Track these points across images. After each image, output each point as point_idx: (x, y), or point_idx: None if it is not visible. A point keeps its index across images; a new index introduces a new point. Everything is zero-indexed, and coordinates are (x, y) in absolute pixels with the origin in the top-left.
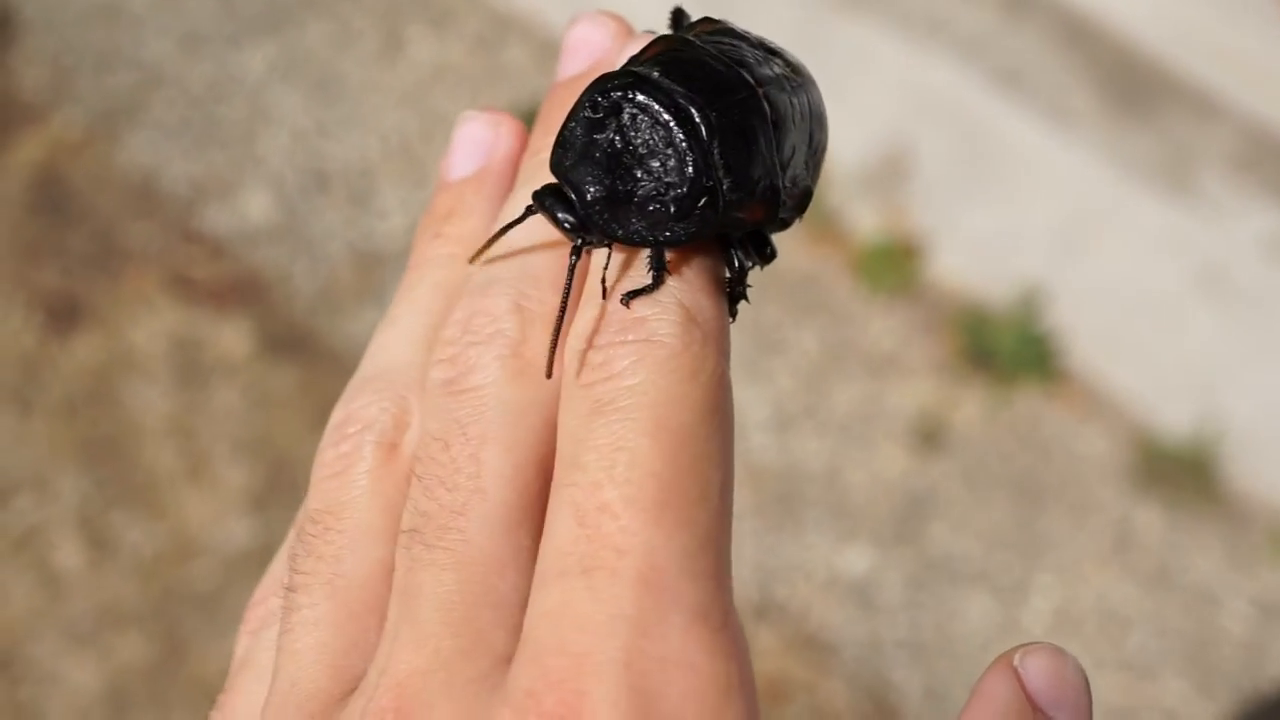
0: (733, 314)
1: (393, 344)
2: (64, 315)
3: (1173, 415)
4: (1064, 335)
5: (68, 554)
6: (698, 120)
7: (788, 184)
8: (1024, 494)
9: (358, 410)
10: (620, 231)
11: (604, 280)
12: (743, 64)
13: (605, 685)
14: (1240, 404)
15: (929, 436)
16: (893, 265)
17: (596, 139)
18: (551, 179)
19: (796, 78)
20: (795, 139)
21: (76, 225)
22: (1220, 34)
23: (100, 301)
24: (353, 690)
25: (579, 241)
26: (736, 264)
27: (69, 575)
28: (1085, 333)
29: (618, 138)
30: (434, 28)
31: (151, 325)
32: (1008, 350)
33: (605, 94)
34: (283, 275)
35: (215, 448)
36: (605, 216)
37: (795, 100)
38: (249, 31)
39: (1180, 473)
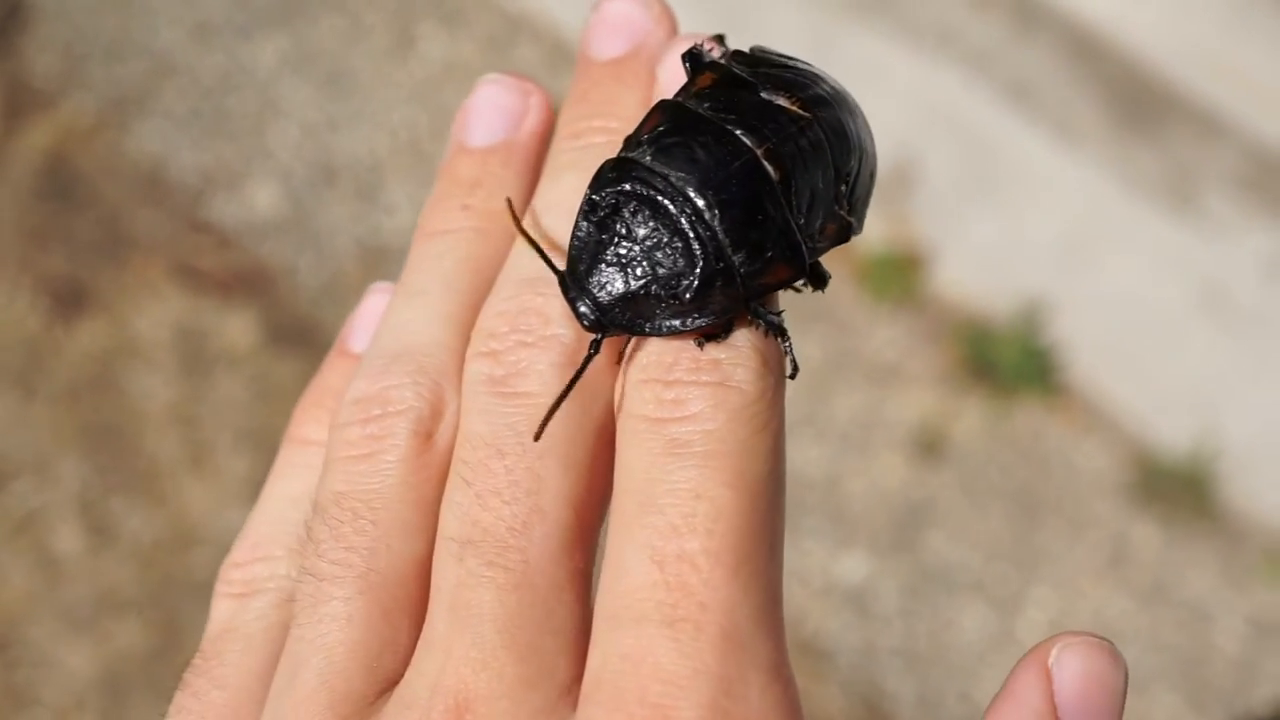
0: (793, 370)
1: (418, 321)
2: (69, 301)
3: (1171, 432)
4: (1065, 349)
5: (67, 539)
6: (699, 204)
7: (814, 231)
8: (1022, 506)
9: (389, 390)
10: (647, 327)
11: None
12: (745, 121)
13: None
14: (1239, 422)
15: (929, 447)
16: (897, 275)
17: (604, 239)
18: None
19: (816, 110)
20: (815, 180)
21: (84, 212)
22: (1228, 53)
23: (106, 288)
24: (384, 691)
25: (597, 337)
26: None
27: (68, 560)
28: (1086, 347)
29: (623, 233)
30: (445, 25)
31: (156, 313)
32: (1009, 363)
33: (602, 193)
34: (289, 267)
35: (218, 437)
36: (628, 315)
37: (809, 139)
38: (261, 24)
39: (1178, 489)
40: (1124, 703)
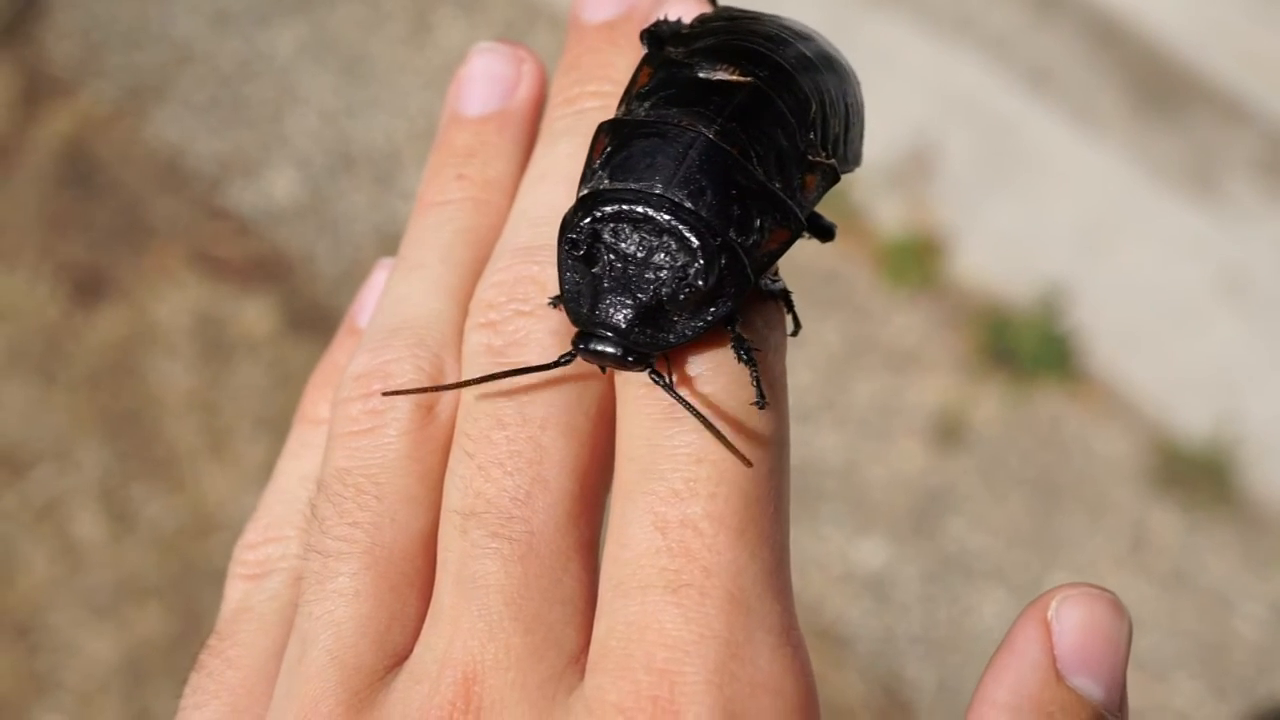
0: (795, 328)
1: (418, 293)
2: (89, 288)
3: (1191, 418)
4: (1085, 335)
5: (88, 525)
6: (674, 199)
7: (794, 188)
8: (1042, 492)
9: (389, 364)
10: (671, 337)
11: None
12: (689, 107)
13: (698, 706)
14: (1259, 408)
15: (948, 433)
16: (916, 262)
17: (595, 272)
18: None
19: (756, 72)
20: (776, 140)
21: (103, 199)
22: (1249, 36)
23: (125, 276)
24: (394, 665)
25: (648, 370)
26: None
27: (89, 547)
28: (1106, 333)
29: (612, 258)
30: (463, 11)
31: (175, 301)
32: (1028, 349)
33: (576, 230)
34: (307, 254)
35: (236, 424)
36: (648, 333)
37: (755, 104)
38: (279, 11)
39: (1198, 475)
40: (1127, 653)
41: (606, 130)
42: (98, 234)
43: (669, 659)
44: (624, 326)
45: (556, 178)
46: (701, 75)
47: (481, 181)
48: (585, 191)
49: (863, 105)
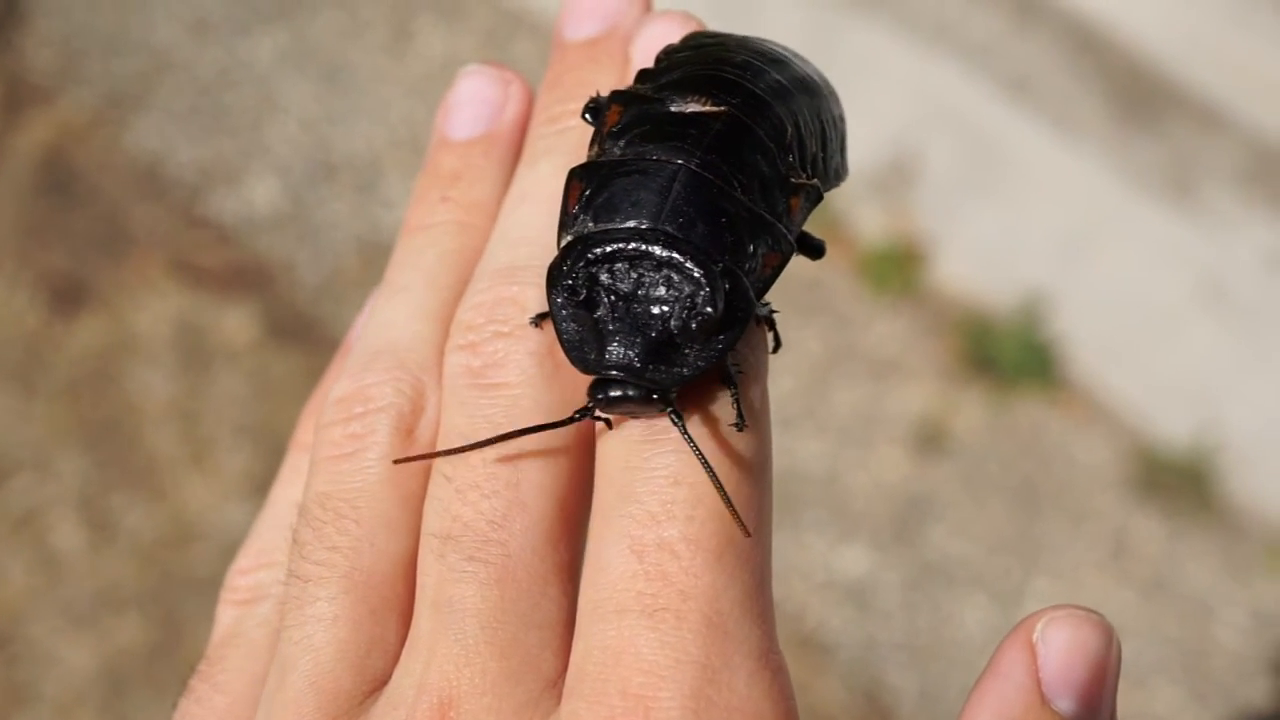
0: (776, 345)
1: (400, 317)
2: (68, 297)
3: (1172, 425)
4: (1066, 343)
5: (67, 535)
6: (665, 231)
7: (780, 211)
8: (1023, 500)
9: (369, 388)
10: (686, 370)
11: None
12: (665, 142)
13: None
14: (1239, 416)
15: (929, 440)
16: (897, 269)
17: (599, 315)
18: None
19: (729, 101)
20: (756, 165)
21: (83, 208)
22: (1228, 45)
23: (105, 284)
24: (374, 690)
25: (668, 409)
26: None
27: (68, 556)
28: (1087, 341)
29: (614, 299)
30: (443, 20)
31: (156, 309)
32: (1009, 356)
33: (571, 278)
34: (288, 263)
35: (217, 433)
36: (662, 369)
37: (731, 132)
38: (259, 19)
39: (1178, 482)
40: (1116, 676)
41: (579, 175)
42: (77, 242)
43: (644, 684)
44: (638, 365)
45: (538, 198)
46: (674, 109)
47: (466, 204)
48: (569, 238)
49: (841, 119)
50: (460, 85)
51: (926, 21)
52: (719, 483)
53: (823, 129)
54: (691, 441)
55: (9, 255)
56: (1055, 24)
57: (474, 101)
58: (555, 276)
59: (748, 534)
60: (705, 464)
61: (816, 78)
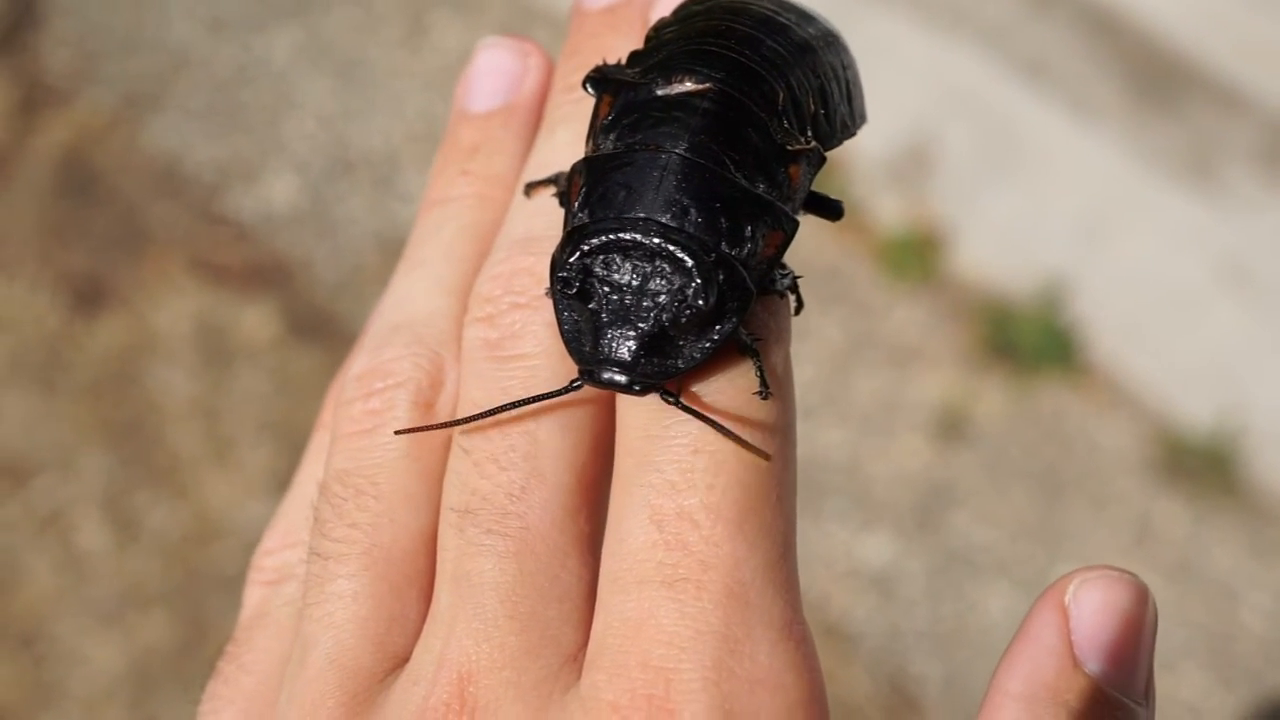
0: (799, 307)
1: (419, 291)
2: (89, 297)
3: (1195, 409)
4: (1086, 327)
5: (91, 534)
6: (659, 221)
7: (780, 183)
8: (1045, 486)
9: (388, 364)
10: (680, 363)
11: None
12: (655, 128)
13: (695, 704)
14: (1262, 398)
15: (951, 427)
16: (916, 256)
17: (592, 307)
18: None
19: (715, 77)
20: (749, 139)
21: (102, 207)
22: (1247, 25)
23: (125, 283)
24: (395, 667)
25: (668, 396)
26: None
27: (93, 555)
28: (1108, 325)
29: (606, 290)
30: (458, 13)
31: (176, 308)
32: (1030, 342)
33: (566, 269)
34: (307, 259)
35: (239, 430)
36: (655, 362)
37: (720, 108)
38: (274, 16)
39: (1202, 466)
40: (1152, 639)
41: (580, 169)
42: (97, 242)
43: (665, 656)
44: (629, 360)
45: (555, 167)
46: (660, 93)
47: (485, 177)
48: (568, 229)
49: (844, 68)
50: (479, 58)
51: (943, 6)
52: (728, 431)
53: (822, 85)
54: (695, 413)
55: (30, 256)
56: (1071, 6)
57: (493, 73)
58: (553, 267)
59: (767, 458)
60: (704, 417)
61: (808, 28)
